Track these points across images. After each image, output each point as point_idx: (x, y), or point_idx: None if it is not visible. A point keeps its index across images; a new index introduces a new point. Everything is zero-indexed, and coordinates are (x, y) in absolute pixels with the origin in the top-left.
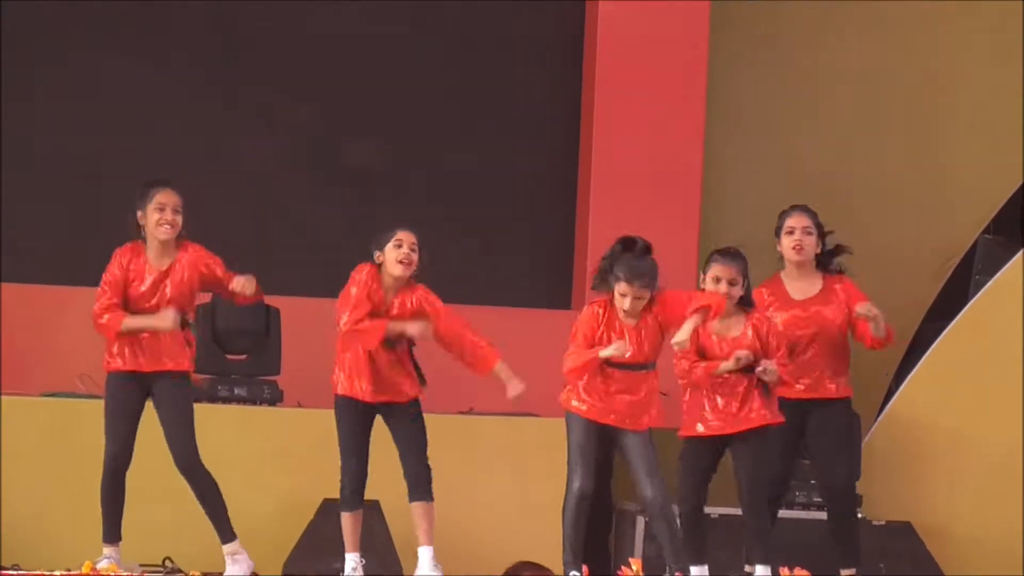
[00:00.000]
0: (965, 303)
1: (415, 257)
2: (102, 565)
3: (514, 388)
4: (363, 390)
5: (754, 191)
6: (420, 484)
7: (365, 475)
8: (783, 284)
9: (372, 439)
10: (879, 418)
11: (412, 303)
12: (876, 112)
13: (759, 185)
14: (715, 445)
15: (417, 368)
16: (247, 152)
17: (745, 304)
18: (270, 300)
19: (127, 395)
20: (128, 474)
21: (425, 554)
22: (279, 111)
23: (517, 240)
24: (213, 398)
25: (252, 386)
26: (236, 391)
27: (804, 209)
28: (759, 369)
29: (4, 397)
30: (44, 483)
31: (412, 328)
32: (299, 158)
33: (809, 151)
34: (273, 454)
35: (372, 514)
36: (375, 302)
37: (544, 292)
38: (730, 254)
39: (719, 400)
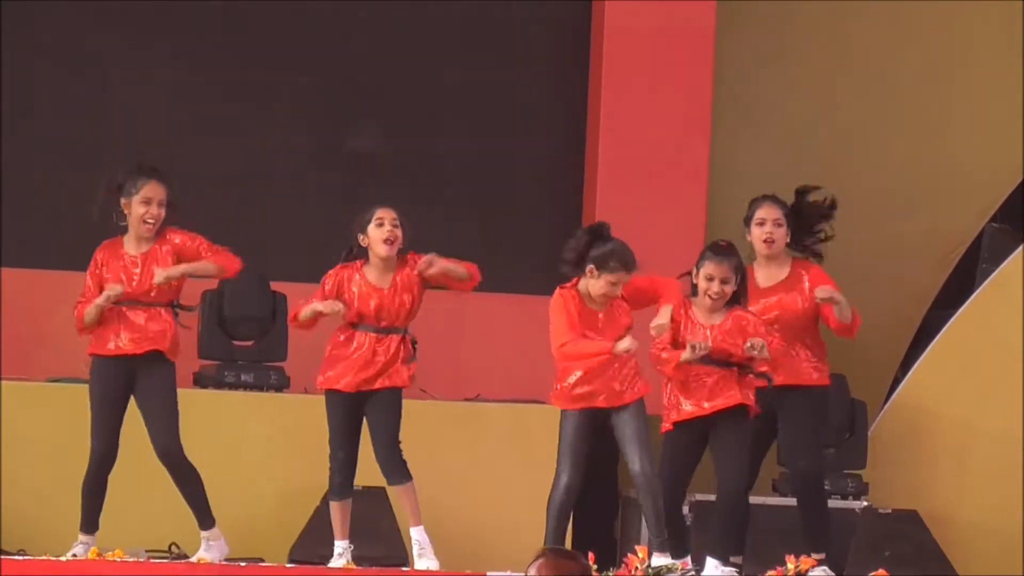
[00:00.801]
0: (971, 291)
1: (398, 233)
2: (78, 551)
3: None
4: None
5: (760, 182)
6: (396, 468)
7: (355, 464)
8: (753, 274)
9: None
10: (885, 406)
11: (411, 277)
12: (882, 102)
13: (765, 176)
14: (693, 436)
15: (413, 343)
16: (251, 138)
17: (735, 302)
18: (276, 286)
19: (115, 384)
20: (132, 460)
21: (416, 535)
22: (283, 97)
23: (524, 229)
24: (219, 384)
25: (258, 372)
26: (242, 377)
27: (774, 199)
28: (747, 345)
29: (7, 383)
30: (48, 469)
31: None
32: (303, 145)
33: (815, 142)
34: (279, 440)
35: (377, 501)
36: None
37: (550, 280)
38: (723, 252)
39: (691, 389)
